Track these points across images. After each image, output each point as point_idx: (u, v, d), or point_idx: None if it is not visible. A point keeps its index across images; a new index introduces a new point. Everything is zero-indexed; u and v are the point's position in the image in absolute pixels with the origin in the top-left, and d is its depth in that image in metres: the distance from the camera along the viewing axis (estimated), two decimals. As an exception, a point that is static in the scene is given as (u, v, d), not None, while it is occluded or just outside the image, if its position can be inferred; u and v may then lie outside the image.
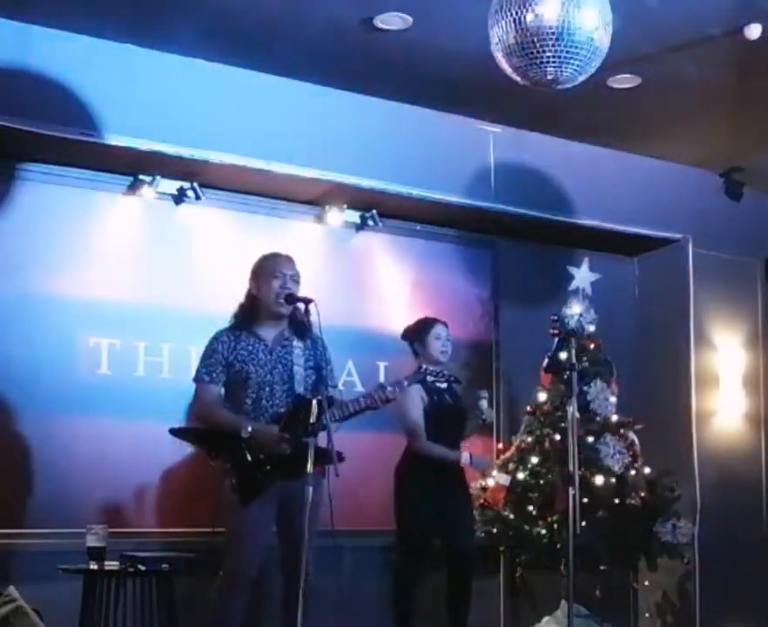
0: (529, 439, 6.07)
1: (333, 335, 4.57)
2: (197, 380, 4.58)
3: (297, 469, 4.27)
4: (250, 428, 4.36)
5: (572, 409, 4.79)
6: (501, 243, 6.70)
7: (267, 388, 4.50)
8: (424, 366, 5.08)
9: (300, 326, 4.55)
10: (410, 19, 5.03)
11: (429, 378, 4.95)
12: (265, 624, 5.03)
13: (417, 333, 5.52)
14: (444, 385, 5.26)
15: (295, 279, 4.61)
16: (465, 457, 5.38)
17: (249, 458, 4.37)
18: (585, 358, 5.98)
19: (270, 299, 4.56)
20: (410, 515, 5.31)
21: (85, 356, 5.39)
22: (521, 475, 5.95)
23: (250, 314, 4.62)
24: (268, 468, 4.40)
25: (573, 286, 6.40)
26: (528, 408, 6.16)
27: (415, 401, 5.35)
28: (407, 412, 5.32)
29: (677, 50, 5.28)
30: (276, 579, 4.55)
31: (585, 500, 5.45)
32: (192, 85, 5.40)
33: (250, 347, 4.54)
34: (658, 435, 6.44)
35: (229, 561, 4.43)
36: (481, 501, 5.98)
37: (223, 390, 4.56)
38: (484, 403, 5.44)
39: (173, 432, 4.55)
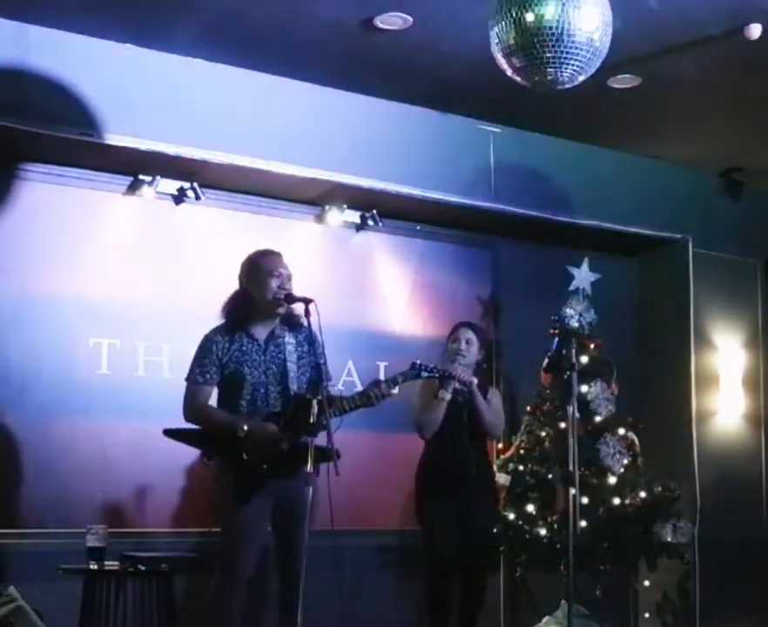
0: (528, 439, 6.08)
1: (333, 335, 4.56)
2: (190, 380, 4.52)
3: (294, 468, 4.27)
4: (246, 427, 4.33)
5: (572, 409, 4.79)
6: (501, 243, 6.70)
7: (262, 389, 4.47)
8: (418, 361, 5.06)
9: (292, 321, 4.55)
10: (410, 19, 5.03)
11: (424, 373, 4.93)
12: (263, 624, 5.02)
13: (449, 335, 5.60)
14: (456, 384, 5.29)
15: (290, 277, 4.57)
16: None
17: (245, 457, 4.35)
18: (585, 358, 5.98)
19: (268, 298, 4.51)
20: (426, 517, 5.34)
21: (85, 356, 5.38)
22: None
23: (244, 313, 4.56)
24: (265, 467, 4.37)
25: (573, 286, 6.38)
26: (528, 408, 6.16)
27: (423, 398, 5.38)
28: (415, 409, 5.35)
29: (676, 50, 5.28)
30: (274, 578, 4.53)
31: (585, 500, 5.46)
32: (192, 85, 5.40)
33: (244, 348, 4.50)
34: (658, 435, 6.44)
35: (225, 560, 4.41)
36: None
37: (216, 391, 4.51)
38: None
39: (167, 433, 4.51)
